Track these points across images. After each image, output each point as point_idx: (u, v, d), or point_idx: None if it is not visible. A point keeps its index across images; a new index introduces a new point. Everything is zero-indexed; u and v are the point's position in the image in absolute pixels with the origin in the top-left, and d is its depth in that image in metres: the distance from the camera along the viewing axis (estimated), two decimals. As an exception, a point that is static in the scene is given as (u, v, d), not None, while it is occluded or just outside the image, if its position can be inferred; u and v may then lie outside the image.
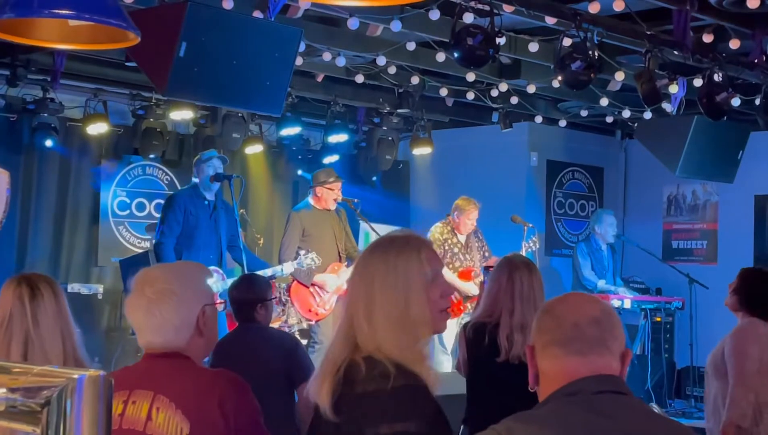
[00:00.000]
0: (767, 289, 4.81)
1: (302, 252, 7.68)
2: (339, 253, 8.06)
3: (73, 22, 2.92)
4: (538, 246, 8.92)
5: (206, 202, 7.30)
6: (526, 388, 3.57)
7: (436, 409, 2.40)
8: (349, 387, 2.38)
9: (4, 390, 1.15)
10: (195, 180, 7.37)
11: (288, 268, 7.56)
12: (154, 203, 9.82)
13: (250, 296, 4.84)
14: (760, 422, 4.56)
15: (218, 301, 2.87)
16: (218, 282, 7.04)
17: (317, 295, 7.87)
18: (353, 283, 2.53)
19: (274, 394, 4.67)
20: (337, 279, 7.89)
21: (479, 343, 4.25)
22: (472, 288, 8.32)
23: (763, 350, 4.63)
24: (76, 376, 1.12)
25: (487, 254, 8.69)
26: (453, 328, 7.91)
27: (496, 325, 4.22)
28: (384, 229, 9.10)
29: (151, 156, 9.52)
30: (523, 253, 8.53)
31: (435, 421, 2.39)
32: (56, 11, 2.74)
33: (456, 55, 6.23)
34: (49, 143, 8.74)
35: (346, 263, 8.01)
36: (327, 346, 2.55)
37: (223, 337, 5.28)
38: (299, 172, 10.46)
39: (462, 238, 8.63)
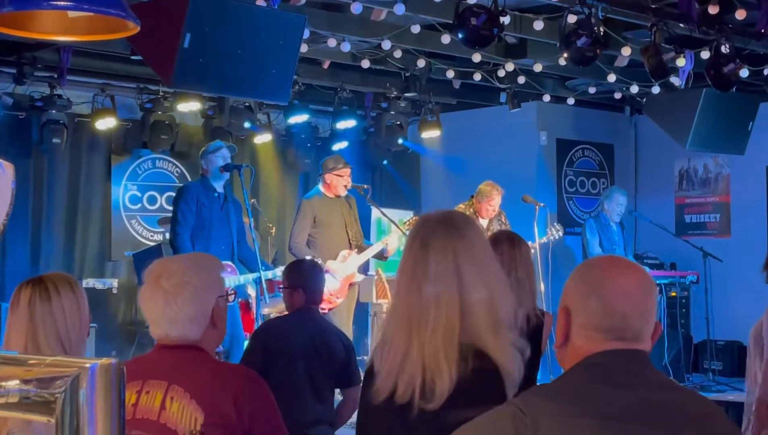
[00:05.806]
0: None
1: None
2: (349, 240, 8.04)
3: (72, 14, 2.93)
4: (561, 234, 8.89)
5: (216, 194, 7.27)
6: None
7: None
8: (438, 376, 2.48)
9: (17, 381, 1.15)
10: (203, 172, 7.34)
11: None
12: (165, 196, 9.84)
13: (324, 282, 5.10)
14: None
15: (230, 293, 2.88)
16: (231, 276, 6.99)
17: (329, 282, 7.86)
18: (443, 271, 2.56)
19: (330, 379, 4.73)
20: (347, 267, 7.89)
21: None
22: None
23: None
24: (88, 365, 1.12)
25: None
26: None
27: None
28: (395, 214, 9.10)
29: (161, 149, 9.53)
30: (546, 241, 8.59)
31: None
32: (55, 3, 2.74)
33: (460, 35, 6.20)
34: (57, 140, 8.76)
35: (356, 251, 8.01)
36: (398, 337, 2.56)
37: (284, 318, 5.16)
38: (306, 159, 10.42)
39: (484, 222, 8.61)
